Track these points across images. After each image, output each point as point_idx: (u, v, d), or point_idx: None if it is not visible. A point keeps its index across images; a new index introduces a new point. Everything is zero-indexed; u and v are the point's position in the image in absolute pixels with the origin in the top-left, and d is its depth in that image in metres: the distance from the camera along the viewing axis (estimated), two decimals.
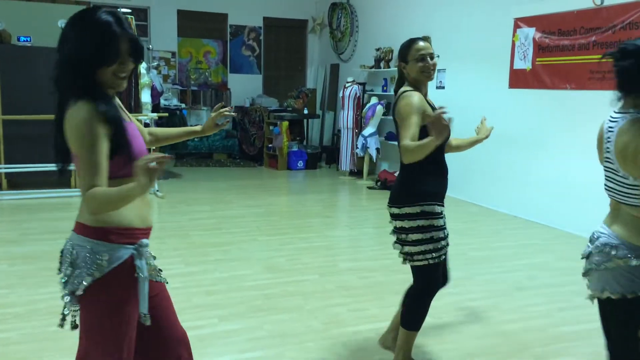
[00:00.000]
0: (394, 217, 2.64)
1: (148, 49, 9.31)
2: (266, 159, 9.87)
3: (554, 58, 5.87)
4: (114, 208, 1.65)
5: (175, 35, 10.44)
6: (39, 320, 3.32)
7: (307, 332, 3.25)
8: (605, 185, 1.94)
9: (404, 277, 4.18)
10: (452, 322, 3.42)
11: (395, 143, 9.12)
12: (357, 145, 8.53)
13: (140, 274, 1.75)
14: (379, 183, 8.02)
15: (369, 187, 8.03)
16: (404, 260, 2.67)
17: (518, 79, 6.31)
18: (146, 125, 7.44)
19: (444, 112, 2.14)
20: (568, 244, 5.26)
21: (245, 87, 10.81)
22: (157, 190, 7.02)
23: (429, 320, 3.40)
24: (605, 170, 1.93)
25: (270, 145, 9.68)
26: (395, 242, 2.69)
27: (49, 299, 3.63)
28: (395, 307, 3.61)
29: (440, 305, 3.65)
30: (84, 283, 1.68)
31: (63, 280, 1.72)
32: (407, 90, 2.56)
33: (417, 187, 2.57)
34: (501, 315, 3.55)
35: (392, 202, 2.65)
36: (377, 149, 8.31)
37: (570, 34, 5.67)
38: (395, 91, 2.68)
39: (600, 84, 5.34)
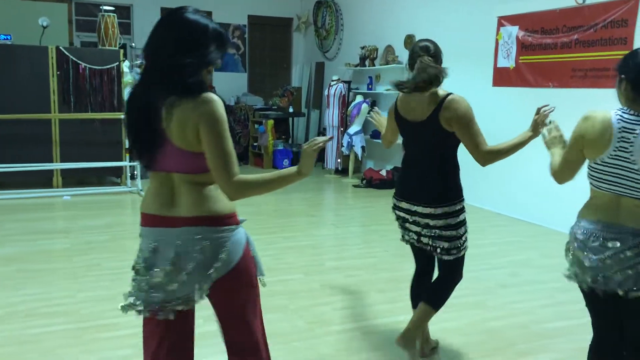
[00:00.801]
0: (439, 217, 2.61)
1: (131, 47, 9.22)
2: (251, 158, 9.83)
3: (537, 56, 5.91)
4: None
5: None
6: (19, 322, 3.26)
7: (293, 331, 3.24)
8: (606, 180, 1.98)
9: (389, 276, 4.19)
10: (437, 320, 3.39)
11: (380, 141, 9.09)
12: (342, 143, 8.52)
13: (253, 245, 1.89)
14: (364, 181, 8.03)
15: (355, 186, 8.03)
16: (446, 254, 2.67)
17: (502, 77, 6.35)
18: None
19: (551, 110, 2.54)
20: (551, 240, 5.30)
21: (230, 85, 10.74)
22: (141, 190, 6.95)
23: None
24: (608, 166, 1.96)
25: (255, 144, 9.65)
26: (439, 239, 2.65)
27: (28, 300, 3.58)
28: (380, 305, 3.62)
29: None
30: (229, 267, 1.77)
31: (198, 274, 1.74)
32: (452, 94, 2.61)
33: (459, 184, 2.69)
34: (486, 313, 3.57)
35: (438, 203, 2.60)
36: (363, 147, 8.32)
37: (553, 33, 5.72)
38: (421, 88, 2.54)
39: (582, 82, 5.40)
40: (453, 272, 2.78)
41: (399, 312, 3.50)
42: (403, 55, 8.09)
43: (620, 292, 1.94)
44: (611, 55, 5.09)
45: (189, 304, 1.81)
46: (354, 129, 8.28)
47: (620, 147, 1.92)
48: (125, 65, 7.35)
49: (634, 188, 1.94)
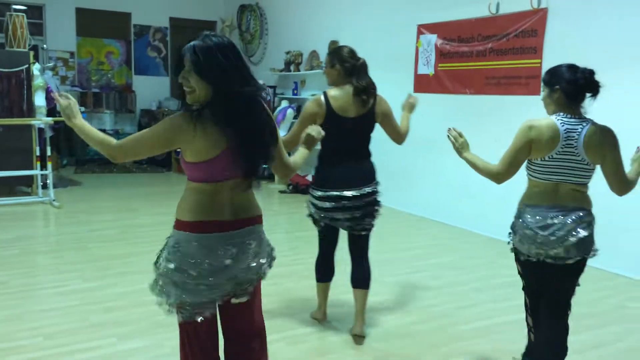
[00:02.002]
0: (374, 193, 3.17)
1: (42, 48, 8.72)
2: (174, 164, 9.55)
3: (454, 64, 6.10)
4: None
5: (73, 35, 9.86)
6: None
7: None
8: (552, 172, 2.42)
9: (315, 282, 4.15)
10: None
11: None
12: None
13: None
14: (290, 187, 7.99)
15: (281, 191, 7.98)
16: (368, 229, 3.20)
17: (422, 84, 6.50)
18: (40, 130, 6.96)
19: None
20: (471, 242, 5.49)
21: (151, 89, 10.42)
22: (54, 200, 6.57)
23: (337, 325, 3.40)
24: (556, 160, 2.40)
25: (178, 150, 9.36)
26: (369, 217, 3.16)
27: None
28: (305, 314, 3.58)
29: (346, 311, 3.65)
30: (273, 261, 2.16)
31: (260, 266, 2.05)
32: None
33: None
34: (407, 317, 3.61)
35: (373, 181, 3.17)
36: (289, 153, 8.27)
37: (469, 41, 5.92)
38: (371, 88, 3.09)
39: (496, 89, 5.62)
40: (367, 247, 3.27)
41: (324, 321, 3.47)
42: None
43: (571, 261, 2.42)
44: (522, 64, 5.34)
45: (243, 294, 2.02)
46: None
47: (567, 144, 2.38)
48: (35, 68, 6.93)
49: (572, 175, 2.42)
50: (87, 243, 5.08)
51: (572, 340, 2.54)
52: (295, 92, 8.78)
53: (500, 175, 2.50)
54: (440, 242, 5.54)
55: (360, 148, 3.17)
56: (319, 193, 3.11)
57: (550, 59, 5.12)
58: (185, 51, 1.90)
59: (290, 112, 8.22)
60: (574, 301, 2.55)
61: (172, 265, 1.91)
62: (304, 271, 4.45)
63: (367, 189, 3.11)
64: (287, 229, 6.15)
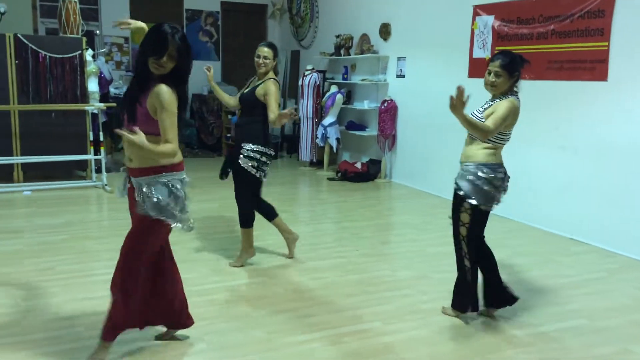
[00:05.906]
0: None
1: (95, 34, 8.87)
2: (225, 149, 9.58)
3: (512, 47, 5.71)
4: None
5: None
6: None
7: (249, 343, 3.04)
8: (509, 138, 3.21)
9: (358, 278, 4.03)
10: (402, 329, 3.25)
11: (356, 132, 8.80)
12: (317, 135, 8.32)
13: None
14: (339, 174, 7.84)
15: (330, 179, 7.84)
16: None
17: (477, 68, 6.16)
18: (94, 115, 7.08)
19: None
20: (525, 237, 5.18)
21: (203, 74, 10.32)
22: (106, 185, 6.68)
23: (379, 326, 3.24)
24: (510, 130, 3.17)
25: (228, 135, 9.39)
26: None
27: None
28: (346, 312, 3.44)
29: (391, 309, 3.50)
30: None
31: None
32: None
33: None
34: (454, 319, 3.40)
35: None
36: (338, 139, 8.12)
37: (529, 23, 5.55)
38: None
39: (557, 74, 5.24)
40: None
41: (367, 319, 3.33)
42: (379, 44, 7.89)
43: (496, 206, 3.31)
44: (588, 47, 4.94)
45: None
46: (328, 120, 8.07)
47: (517, 116, 3.17)
48: (88, 54, 7.03)
49: (510, 139, 3.25)
50: None
51: None
52: (345, 76, 8.58)
53: (490, 134, 3.02)
54: (494, 235, 5.22)
55: None
56: (268, 151, 4.13)
57: (619, 41, 4.71)
58: (177, 38, 2.46)
59: (339, 98, 8.04)
60: None
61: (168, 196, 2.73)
62: (347, 265, 4.32)
63: None
64: (334, 219, 6.00)
